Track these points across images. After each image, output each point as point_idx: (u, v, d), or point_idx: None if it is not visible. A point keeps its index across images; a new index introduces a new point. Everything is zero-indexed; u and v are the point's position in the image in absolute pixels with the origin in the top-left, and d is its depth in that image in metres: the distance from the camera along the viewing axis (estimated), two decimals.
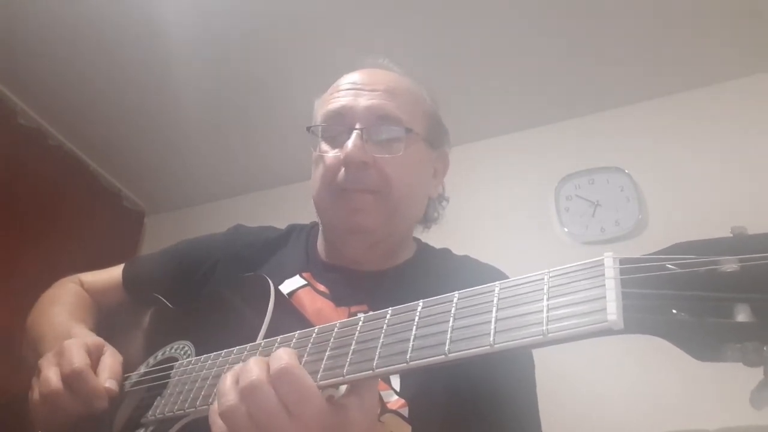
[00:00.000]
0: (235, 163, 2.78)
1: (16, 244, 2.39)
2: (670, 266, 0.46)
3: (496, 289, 0.53)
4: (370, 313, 0.61)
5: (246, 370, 0.58)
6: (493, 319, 0.51)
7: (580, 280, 0.49)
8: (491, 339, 0.50)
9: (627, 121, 2.29)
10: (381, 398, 0.79)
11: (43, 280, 1.13)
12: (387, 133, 0.94)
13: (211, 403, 0.64)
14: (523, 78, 2.27)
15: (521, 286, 0.52)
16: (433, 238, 1.10)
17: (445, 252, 1.06)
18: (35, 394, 0.81)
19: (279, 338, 0.68)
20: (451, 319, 0.54)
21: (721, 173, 2.05)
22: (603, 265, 0.48)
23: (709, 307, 0.43)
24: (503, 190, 2.37)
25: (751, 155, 2.02)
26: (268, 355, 0.60)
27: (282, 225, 1.14)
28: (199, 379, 0.73)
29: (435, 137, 1.03)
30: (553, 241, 2.20)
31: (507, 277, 0.55)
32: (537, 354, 0.89)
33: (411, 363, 0.53)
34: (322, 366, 0.59)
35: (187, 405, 0.71)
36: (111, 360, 0.83)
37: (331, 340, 0.61)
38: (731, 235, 0.46)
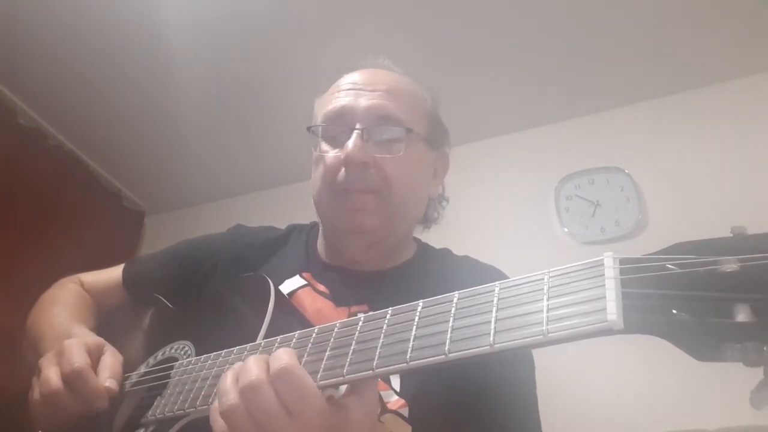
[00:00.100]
0: (235, 163, 2.78)
1: (16, 244, 2.39)
2: (670, 266, 0.46)
3: (496, 289, 0.53)
4: (370, 313, 0.61)
5: (245, 369, 0.58)
6: (493, 319, 0.51)
7: (580, 280, 0.49)
8: (491, 339, 0.50)
9: (627, 121, 2.29)
10: (381, 398, 0.79)
11: (43, 280, 1.13)
12: (387, 134, 0.94)
13: (211, 403, 0.64)
14: (523, 78, 2.27)
15: (521, 286, 0.52)
16: (433, 238, 1.10)
17: (445, 252, 1.06)
18: (35, 394, 0.81)
19: (279, 338, 0.68)
20: (451, 319, 0.54)
21: (721, 173, 2.05)
22: (603, 265, 0.48)
23: (709, 307, 0.43)
24: (503, 190, 2.37)
25: (751, 155, 2.02)
26: (268, 354, 0.60)
27: (282, 225, 1.14)
28: (199, 379, 0.73)
29: (435, 137, 1.03)
30: (553, 241, 2.21)
31: (507, 277, 0.55)
32: (537, 354, 0.89)
33: (411, 363, 0.53)
34: (322, 366, 0.59)
35: (187, 405, 0.71)
36: (111, 360, 0.83)
37: (331, 340, 0.61)
38: (731, 235, 0.46)
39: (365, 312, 0.63)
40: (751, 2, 1.92)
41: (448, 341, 0.52)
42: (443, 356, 0.51)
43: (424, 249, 1.07)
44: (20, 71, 2.40)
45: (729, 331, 0.42)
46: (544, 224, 2.25)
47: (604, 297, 0.46)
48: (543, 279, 0.51)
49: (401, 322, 0.57)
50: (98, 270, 1.15)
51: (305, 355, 0.62)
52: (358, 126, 0.93)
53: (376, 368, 0.55)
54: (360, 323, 0.61)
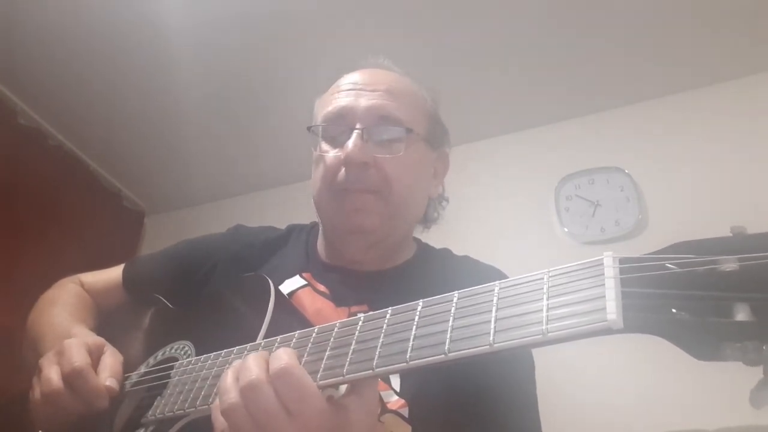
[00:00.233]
0: (235, 163, 2.78)
1: (16, 244, 2.39)
2: (669, 266, 0.46)
3: (496, 289, 0.53)
4: (370, 312, 0.61)
5: (245, 368, 0.58)
6: (492, 319, 0.51)
7: (579, 280, 0.49)
8: (491, 338, 0.50)
9: (627, 121, 2.29)
10: (381, 398, 0.79)
11: (43, 280, 1.13)
12: (387, 134, 0.94)
13: (212, 402, 0.64)
14: (523, 78, 2.27)
15: (521, 285, 0.52)
16: (433, 238, 1.10)
17: (445, 252, 1.06)
18: (36, 394, 0.81)
19: (279, 338, 0.68)
20: (451, 318, 0.54)
21: (720, 173, 2.05)
22: (602, 264, 0.48)
23: (709, 306, 0.43)
24: (503, 190, 2.37)
25: (750, 155, 2.02)
26: (268, 352, 0.60)
27: (282, 225, 1.14)
28: (199, 379, 0.73)
29: (435, 137, 1.03)
30: (553, 241, 2.21)
31: (507, 277, 0.55)
32: (537, 354, 0.89)
33: (411, 363, 0.53)
34: (322, 366, 0.59)
35: (187, 405, 0.71)
36: (111, 359, 0.83)
37: (331, 339, 0.61)
38: (731, 234, 0.46)
39: (365, 312, 0.63)
40: (751, 2, 1.92)
41: (447, 341, 0.52)
42: (443, 356, 0.51)
43: (424, 249, 1.07)
44: (20, 71, 2.40)
45: (728, 330, 0.42)
46: (544, 224, 2.25)
47: (604, 296, 0.46)
48: (543, 279, 0.51)
49: (401, 322, 0.57)
50: (98, 270, 1.15)
51: (305, 355, 0.62)
52: (358, 126, 0.93)
53: (376, 368, 0.55)
54: (360, 323, 0.61)
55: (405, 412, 0.80)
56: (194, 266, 1.06)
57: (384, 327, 0.58)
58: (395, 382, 0.82)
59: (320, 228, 1.05)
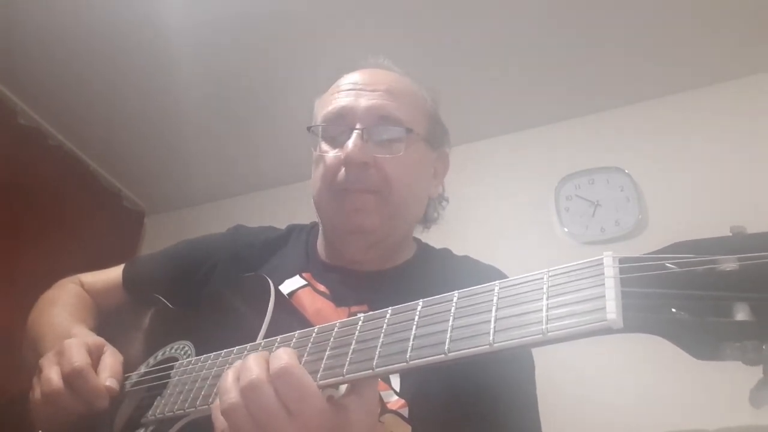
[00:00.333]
0: (235, 163, 2.79)
1: (16, 244, 2.39)
2: (669, 265, 0.46)
3: (496, 289, 0.53)
4: (370, 312, 0.61)
5: (246, 368, 0.58)
6: (492, 319, 0.51)
7: (579, 280, 0.49)
8: (491, 338, 0.50)
9: (627, 121, 2.30)
10: (381, 398, 0.79)
11: (43, 280, 1.13)
12: (387, 134, 0.94)
13: (212, 402, 0.64)
14: (523, 78, 2.27)
15: (521, 285, 0.52)
16: (433, 238, 1.10)
17: (445, 252, 1.06)
18: (36, 394, 0.81)
19: (279, 338, 0.68)
20: (451, 318, 0.54)
21: (720, 173, 2.05)
22: (602, 264, 0.48)
23: (709, 306, 0.43)
24: (503, 190, 2.37)
25: (750, 155, 2.02)
26: (268, 352, 0.60)
27: (282, 225, 1.14)
28: (199, 379, 0.73)
29: (435, 137, 1.03)
30: (553, 241, 2.21)
31: (507, 277, 0.55)
32: (537, 354, 0.89)
33: (411, 362, 0.53)
34: (322, 366, 0.59)
35: (187, 405, 0.71)
36: (111, 359, 0.83)
37: (331, 339, 0.61)
38: (730, 234, 0.46)
39: (365, 312, 0.63)
40: (751, 2, 1.92)
41: (447, 340, 0.52)
42: (443, 355, 0.51)
43: (424, 249, 1.07)
44: (20, 71, 2.41)
45: (728, 329, 0.43)
46: (544, 224, 2.25)
47: (604, 296, 0.46)
48: (542, 278, 0.51)
49: (401, 322, 0.57)
50: (98, 270, 1.15)
51: (305, 355, 0.62)
52: (358, 126, 0.93)
53: (376, 368, 0.55)
54: (360, 323, 0.61)
55: (405, 412, 0.80)
56: (194, 266, 1.06)
57: (384, 327, 0.58)
58: (395, 382, 0.82)
59: (320, 228, 1.05)
